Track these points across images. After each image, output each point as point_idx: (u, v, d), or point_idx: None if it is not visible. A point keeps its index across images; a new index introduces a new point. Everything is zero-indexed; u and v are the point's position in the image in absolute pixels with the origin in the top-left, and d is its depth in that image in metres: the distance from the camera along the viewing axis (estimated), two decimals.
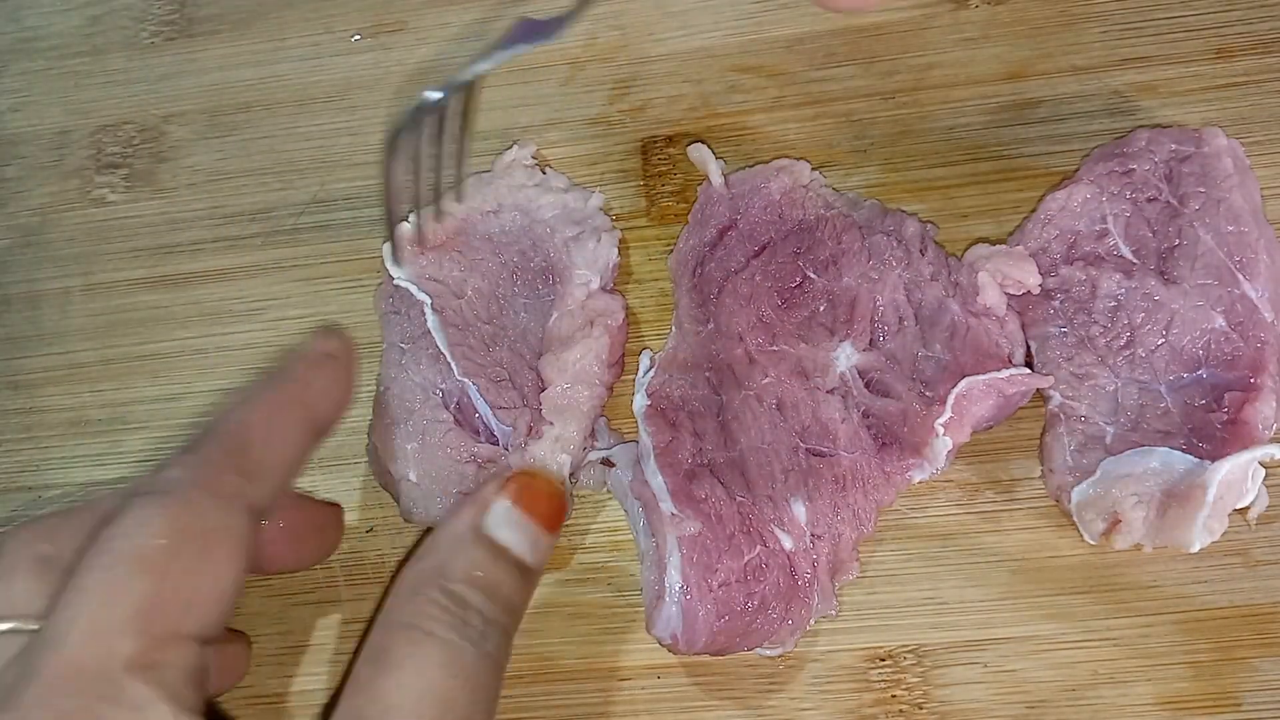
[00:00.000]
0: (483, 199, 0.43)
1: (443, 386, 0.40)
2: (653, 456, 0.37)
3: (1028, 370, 0.37)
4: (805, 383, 0.38)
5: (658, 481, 0.37)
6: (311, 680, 0.39)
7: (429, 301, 0.40)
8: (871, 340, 0.39)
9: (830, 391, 0.38)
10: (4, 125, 0.50)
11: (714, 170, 0.42)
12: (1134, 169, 0.40)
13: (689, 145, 0.43)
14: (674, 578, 0.35)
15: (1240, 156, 0.39)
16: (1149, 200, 0.39)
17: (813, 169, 0.42)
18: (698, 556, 0.35)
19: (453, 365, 0.39)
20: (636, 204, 0.44)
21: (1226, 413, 0.36)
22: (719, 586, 0.35)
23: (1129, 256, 0.39)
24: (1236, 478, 0.34)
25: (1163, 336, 0.37)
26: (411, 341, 0.41)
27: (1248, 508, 0.36)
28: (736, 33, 0.46)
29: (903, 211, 0.41)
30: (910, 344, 0.39)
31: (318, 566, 0.40)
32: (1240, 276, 0.37)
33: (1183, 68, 0.42)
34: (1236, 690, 0.35)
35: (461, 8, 0.48)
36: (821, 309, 0.40)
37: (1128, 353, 0.37)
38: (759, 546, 0.36)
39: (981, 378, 0.36)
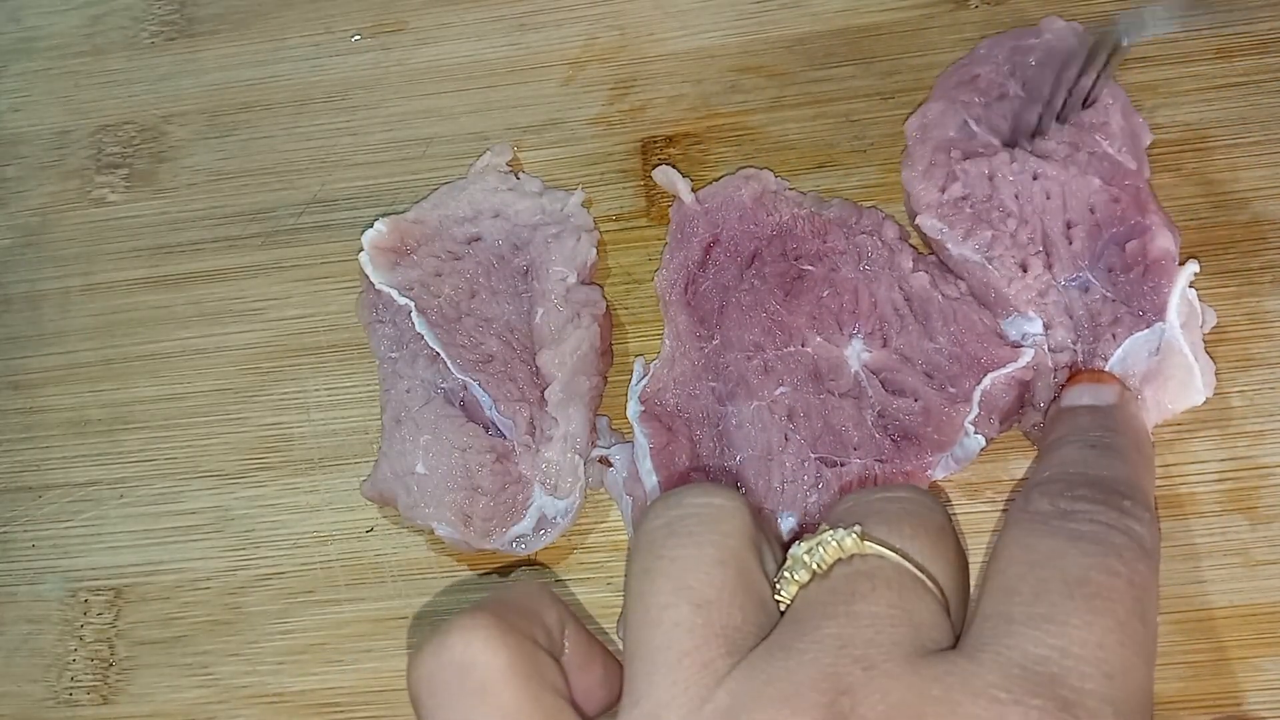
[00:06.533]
0: (456, 205, 0.43)
1: (443, 386, 0.40)
2: (648, 456, 0.37)
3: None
4: (819, 387, 0.38)
5: (652, 481, 0.37)
6: (312, 680, 0.39)
7: (412, 305, 0.40)
8: (884, 340, 0.39)
9: (844, 395, 0.38)
10: (4, 125, 0.50)
11: (683, 189, 0.42)
12: (979, 74, 0.42)
13: (653, 170, 0.43)
14: None
15: (1082, 33, 0.41)
16: (999, 99, 0.41)
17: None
18: None
19: (449, 363, 0.40)
20: (636, 204, 0.44)
21: (1140, 264, 0.37)
22: None
23: (999, 144, 0.40)
24: (1188, 312, 0.36)
25: (1063, 211, 0.38)
26: (403, 347, 0.41)
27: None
28: (736, 33, 0.46)
29: (877, 209, 0.41)
30: (917, 340, 0.39)
31: (317, 566, 0.40)
32: (1098, 137, 0.39)
33: (1183, 68, 0.42)
34: (1236, 690, 0.35)
35: (462, 8, 0.48)
36: (826, 294, 0.40)
37: (1045, 247, 0.38)
38: None
39: (1004, 371, 0.37)
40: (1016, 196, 0.39)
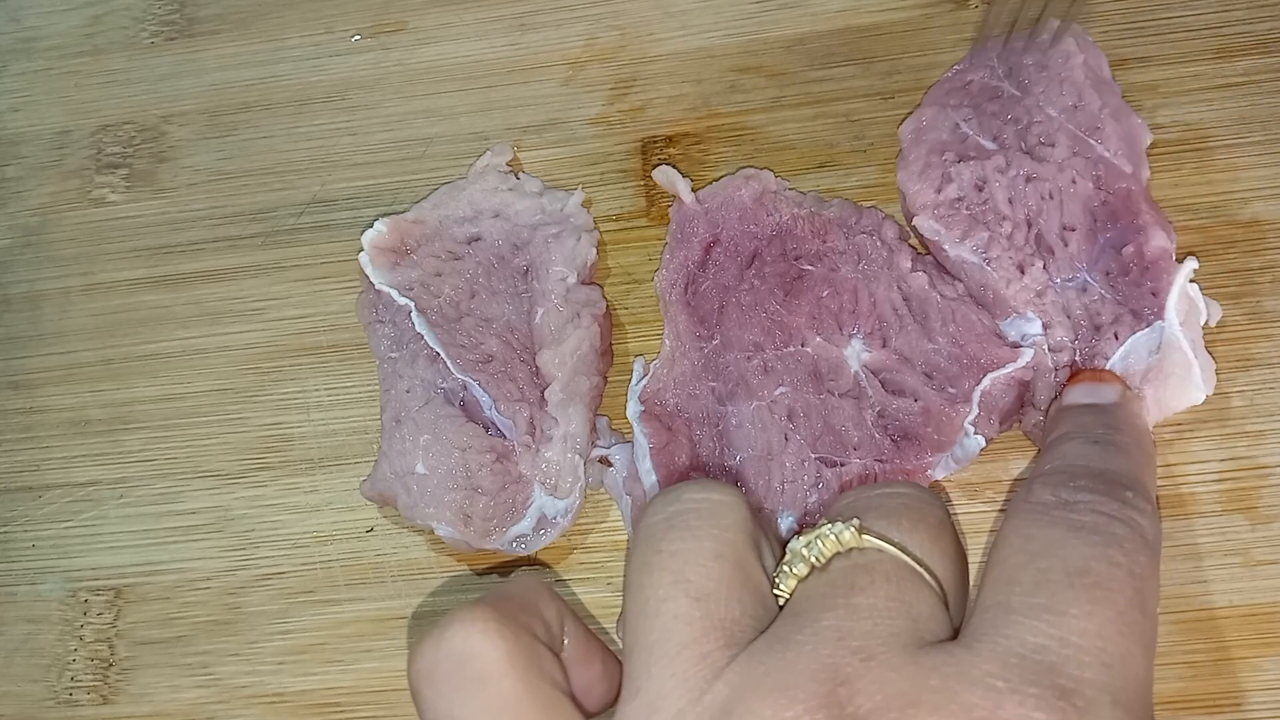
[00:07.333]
0: (456, 205, 0.43)
1: (443, 386, 0.40)
2: (648, 456, 0.37)
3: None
4: (819, 387, 0.38)
5: (651, 481, 0.37)
6: (312, 680, 0.39)
7: (412, 305, 0.41)
8: (884, 340, 0.39)
9: (844, 395, 0.38)
10: (4, 125, 0.50)
11: (683, 189, 0.42)
12: (971, 80, 0.42)
13: (653, 170, 0.43)
14: None
15: (1080, 33, 0.41)
16: (991, 99, 0.41)
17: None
18: None
19: (449, 363, 0.40)
20: (636, 204, 0.44)
21: (1137, 265, 0.37)
22: None
23: (993, 146, 0.40)
24: (1188, 309, 0.36)
25: (1059, 214, 0.38)
26: (403, 347, 0.41)
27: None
28: (736, 33, 0.46)
29: (876, 209, 0.41)
30: (915, 340, 0.39)
31: (317, 566, 0.40)
32: (1092, 142, 0.39)
33: (1183, 68, 0.42)
34: (1236, 690, 0.35)
35: (461, 8, 0.48)
36: (825, 294, 0.40)
37: (1041, 249, 0.38)
38: None
39: (1003, 371, 0.37)
40: (1011, 200, 0.39)
